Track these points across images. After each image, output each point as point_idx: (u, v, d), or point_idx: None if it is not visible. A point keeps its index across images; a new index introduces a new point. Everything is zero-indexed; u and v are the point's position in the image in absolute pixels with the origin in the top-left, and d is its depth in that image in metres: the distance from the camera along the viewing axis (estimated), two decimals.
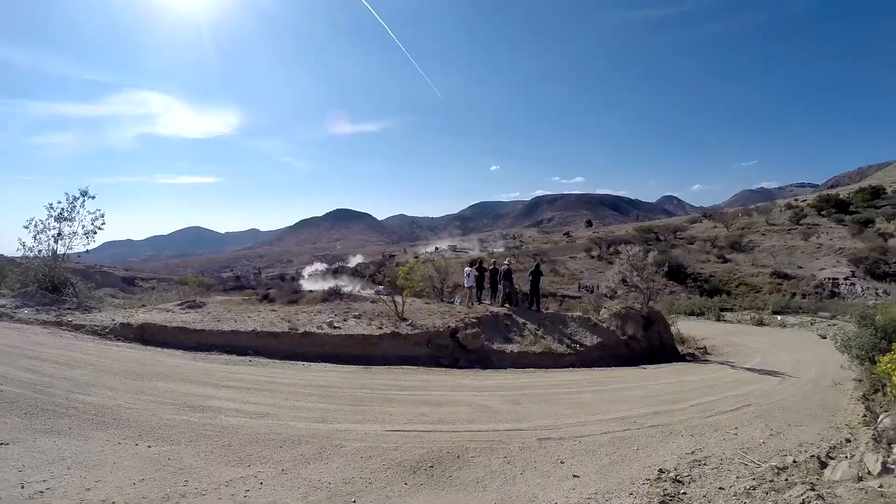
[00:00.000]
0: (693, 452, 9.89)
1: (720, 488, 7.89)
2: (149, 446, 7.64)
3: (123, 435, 7.95)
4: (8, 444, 7.17)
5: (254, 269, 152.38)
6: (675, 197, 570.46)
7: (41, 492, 5.99)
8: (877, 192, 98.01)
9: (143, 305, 21.89)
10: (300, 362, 15.43)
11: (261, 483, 6.90)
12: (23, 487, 6.03)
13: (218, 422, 9.09)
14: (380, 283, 24.20)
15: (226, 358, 14.95)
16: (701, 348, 28.89)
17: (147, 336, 16.11)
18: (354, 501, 6.71)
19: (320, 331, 17.18)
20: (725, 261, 70.29)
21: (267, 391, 11.68)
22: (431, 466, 8.11)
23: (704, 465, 9.19)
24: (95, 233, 20.28)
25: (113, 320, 16.70)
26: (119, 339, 15.77)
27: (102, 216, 20.49)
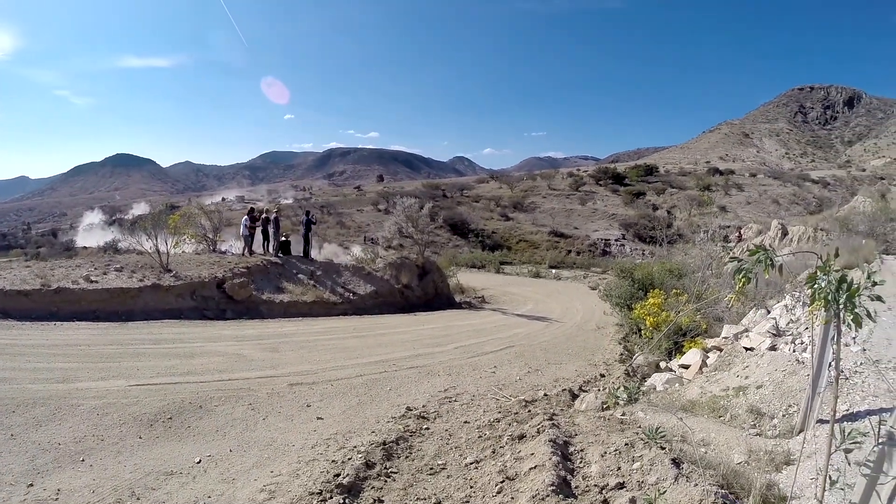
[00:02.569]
0: (446, 390, 10.14)
1: (465, 422, 8.08)
2: None
3: None
4: None
5: (22, 224, 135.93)
6: (467, 158, 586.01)
7: None
8: (650, 170, 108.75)
9: None
10: (53, 322, 13.96)
11: None
12: None
13: None
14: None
15: None
16: (479, 297, 30.11)
17: None
18: (83, 460, 6.14)
19: (76, 286, 15.56)
20: (508, 219, 74.13)
21: (7, 355, 10.42)
22: (170, 418, 7.64)
23: (455, 401, 9.42)
24: None
25: None
26: None
27: None
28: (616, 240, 67.09)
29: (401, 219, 25.82)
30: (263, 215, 22.33)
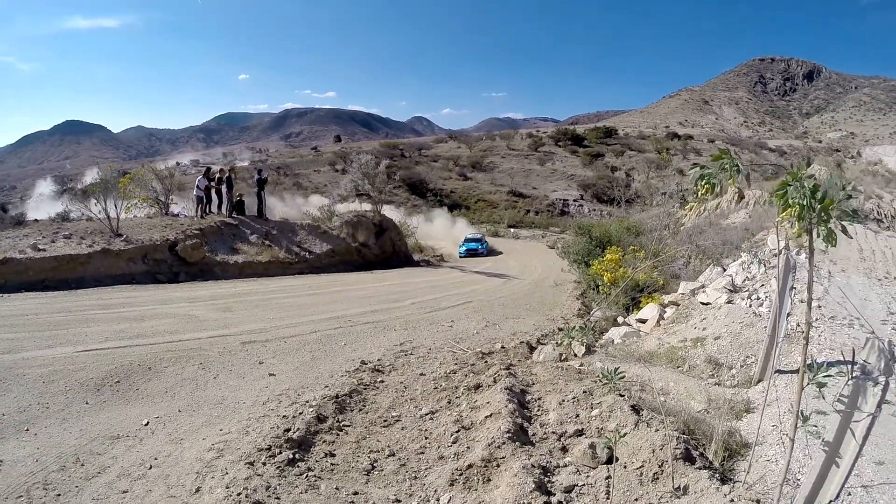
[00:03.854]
0: (402, 344, 10.06)
1: (421, 374, 8.01)
2: None
3: None
4: None
5: None
6: (426, 118, 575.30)
7: None
8: (610, 132, 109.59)
9: None
10: None
11: None
12: None
13: None
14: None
15: None
16: (437, 256, 30.26)
17: None
18: (27, 429, 5.92)
19: (22, 255, 15.01)
20: (466, 179, 74.29)
21: None
22: (118, 382, 7.40)
23: (411, 355, 9.34)
24: None
25: None
26: None
27: None
28: (574, 200, 67.86)
29: (357, 176, 25.43)
30: (217, 175, 21.85)
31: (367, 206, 25.30)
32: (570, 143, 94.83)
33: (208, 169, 23.21)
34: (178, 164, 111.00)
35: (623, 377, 4.88)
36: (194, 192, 21.17)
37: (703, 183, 3.01)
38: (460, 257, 33.22)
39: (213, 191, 21.25)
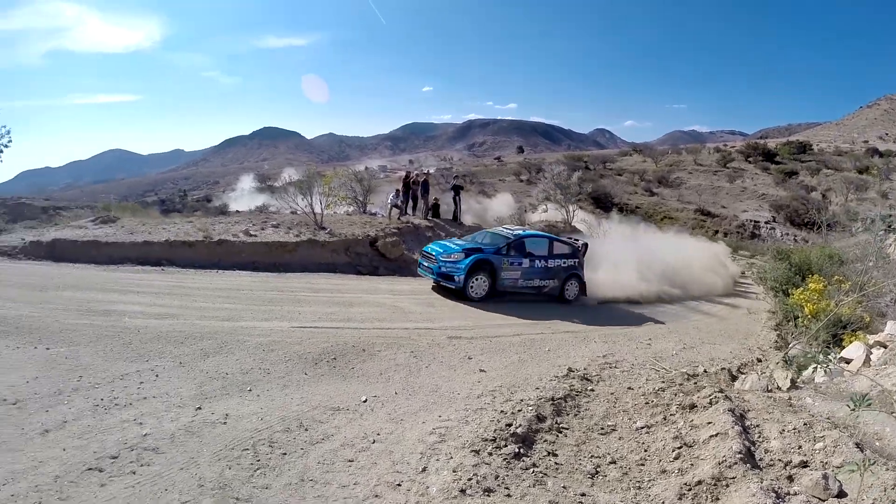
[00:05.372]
0: (605, 356, 9.87)
1: (629, 388, 7.81)
2: (47, 348, 7.09)
3: (23, 341, 7.31)
4: None
5: (179, 192, 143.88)
6: (608, 130, 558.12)
7: None
8: (803, 147, 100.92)
9: (56, 224, 20.39)
10: (215, 270, 14.75)
11: (156, 375, 6.54)
12: None
13: (121, 324, 8.48)
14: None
15: (138, 269, 14.06)
16: None
17: (58, 253, 14.65)
18: (250, 390, 6.40)
19: (236, 238, 16.40)
20: (652, 194, 71.71)
21: (175, 295, 11.04)
22: (334, 359, 7.83)
23: (615, 367, 9.14)
24: (1, 151, 17.91)
25: (23, 239, 15.12)
26: (29, 258, 14.32)
27: (9, 132, 17.75)
28: (766, 222, 63.38)
29: (549, 186, 25.39)
30: (412, 179, 22.61)
31: (558, 217, 25.19)
32: (761, 159, 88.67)
33: (408, 173, 24.03)
34: (366, 168, 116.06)
35: (870, 404, 4.48)
36: (388, 200, 21.99)
37: None
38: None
39: (409, 194, 21.97)
